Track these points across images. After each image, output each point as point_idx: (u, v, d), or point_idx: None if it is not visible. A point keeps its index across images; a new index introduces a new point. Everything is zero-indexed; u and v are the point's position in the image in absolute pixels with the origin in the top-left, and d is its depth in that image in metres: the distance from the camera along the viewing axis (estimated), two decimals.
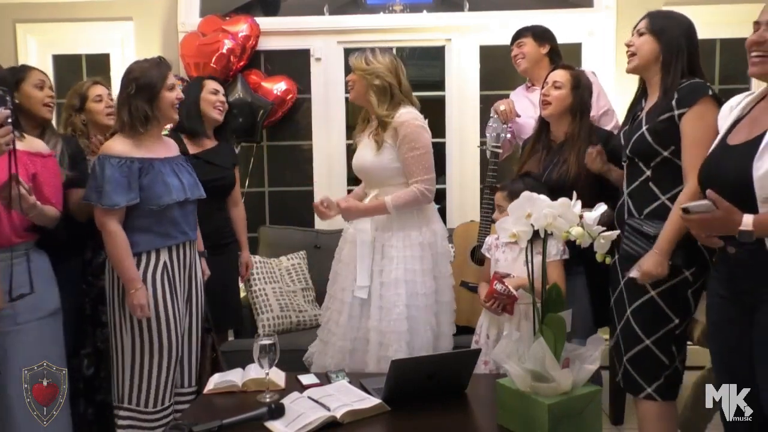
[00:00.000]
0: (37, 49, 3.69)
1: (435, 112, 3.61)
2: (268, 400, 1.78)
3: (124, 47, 3.66)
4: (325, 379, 1.98)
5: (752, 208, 1.50)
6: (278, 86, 3.57)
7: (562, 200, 1.56)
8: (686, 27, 1.99)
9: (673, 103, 1.91)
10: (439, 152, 3.60)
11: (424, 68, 3.85)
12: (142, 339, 2.16)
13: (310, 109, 3.73)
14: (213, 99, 2.76)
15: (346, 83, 2.44)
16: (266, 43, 3.62)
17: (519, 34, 2.91)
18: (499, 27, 3.52)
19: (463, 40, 3.66)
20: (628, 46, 2.05)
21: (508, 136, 2.84)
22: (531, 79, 2.95)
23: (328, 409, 1.67)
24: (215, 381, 1.96)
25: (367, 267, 2.28)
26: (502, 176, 2.76)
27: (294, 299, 3.13)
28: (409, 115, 2.27)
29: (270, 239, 3.44)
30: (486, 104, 3.53)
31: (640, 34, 2.01)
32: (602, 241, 1.55)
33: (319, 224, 3.69)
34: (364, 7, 3.85)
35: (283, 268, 3.22)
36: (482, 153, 3.58)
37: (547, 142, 2.44)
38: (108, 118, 2.51)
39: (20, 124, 2.18)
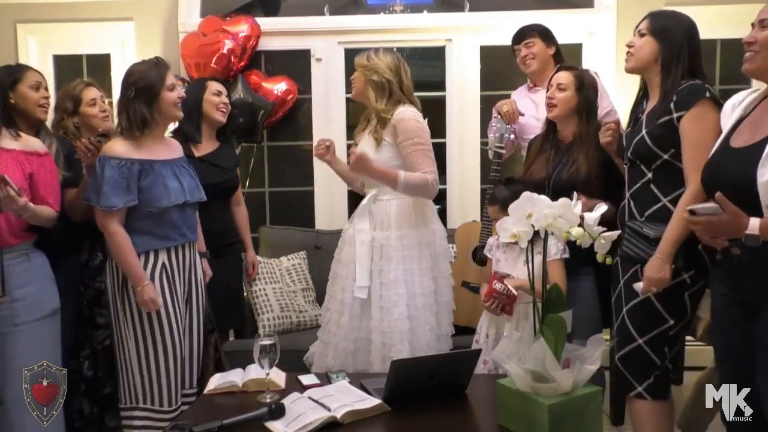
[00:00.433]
0: (38, 50, 3.69)
1: (435, 113, 3.61)
2: (268, 400, 1.78)
3: (125, 47, 3.66)
4: (325, 379, 1.98)
5: (755, 211, 1.49)
6: (279, 86, 3.57)
7: (563, 200, 1.55)
8: (688, 27, 1.97)
9: (672, 105, 1.90)
10: (440, 152, 3.60)
11: (424, 68, 3.85)
12: (145, 339, 2.16)
13: (311, 109, 3.73)
14: (216, 100, 2.73)
15: (348, 83, 2.45)
16: (267, 44, 3.62)
17: (525, 34, 2.86)
18: (499, 27, 3.51)
19: (464, 41, 3.65)
20: (629, 46, 2.03)
21: (512, 137, 2.84)
22: (536, 80, 2.91)
23: (329, 410, 1.67)
24: (216, 381, 1.96)
25: (366, 267, 2.28)
26: (505, 176, 2.75)
27: (294, 299, 3.12)
28: (407, 113, 2.28)
29: (270, 239, 3.44)
30: (486, 104, 3.53)
31: (641, 35, 1.99)
32: (602, 242, 1.55)
33: (320, 224, 3.71)
34: (365, 7, 3.85)
35: (284, 268, 3.21)
36: (483, 153, 3.58)
37: (555, 142, 2.43)
38: (103, 121, 2.50)
39: (16, 123, 2.18)
